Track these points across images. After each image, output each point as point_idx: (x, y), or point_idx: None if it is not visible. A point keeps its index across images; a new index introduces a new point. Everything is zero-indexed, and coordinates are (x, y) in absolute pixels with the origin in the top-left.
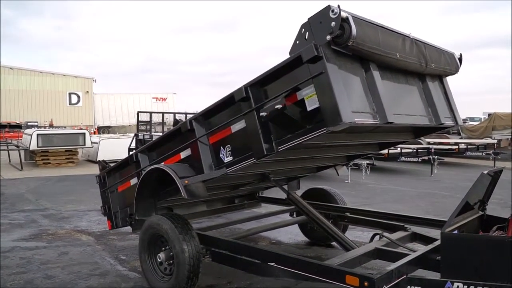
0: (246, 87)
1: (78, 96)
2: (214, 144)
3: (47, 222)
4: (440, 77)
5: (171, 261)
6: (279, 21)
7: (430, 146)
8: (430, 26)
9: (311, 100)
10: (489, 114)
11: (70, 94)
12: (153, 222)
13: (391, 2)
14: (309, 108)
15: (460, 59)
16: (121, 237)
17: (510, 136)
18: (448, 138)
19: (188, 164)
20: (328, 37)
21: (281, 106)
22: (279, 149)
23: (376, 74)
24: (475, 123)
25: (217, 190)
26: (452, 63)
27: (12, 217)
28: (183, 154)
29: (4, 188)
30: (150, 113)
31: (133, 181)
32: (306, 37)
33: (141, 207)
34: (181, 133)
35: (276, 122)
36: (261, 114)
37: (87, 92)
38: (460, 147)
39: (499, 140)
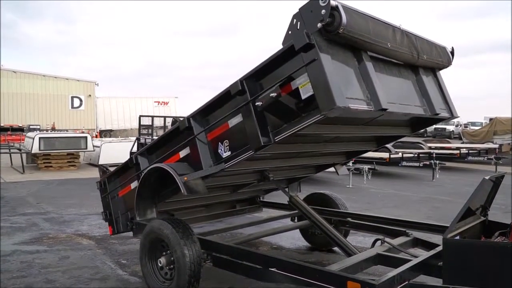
0: (241, 80)
1: (81, 100)
2: (212, 140)
3: (48, 225)
4: (433, 71)
5: (172, 266)
6: (279, 25)
7: (432, 150)
8: (429, 31)
9: (305, 88)
10: (490, 119)
11: (72, 97)
12: (154, 226)
13: (388, 6)
14: (303, 97)
15: (452, 53)
16: (122, 242)
17: (511, 141)
18: (449, 142)
19: (188, 163)
20: (319, 25)
21: (276, 94)
22: (276, 139)
23: (369, 64)
24: (476, 128)
25: (218, 192)
26: (444, 56)
27: (13, 221)
28: (182, 153)
29: (5, 191)
30: (152, 117)
31: (134, 184)
32: (298, 27)
33: (142, 208)
34: (179, 132)
35: (272, 113)
36: (256, 103)
37: (90, 95)
38: (462, 151)
39: (501, 145)
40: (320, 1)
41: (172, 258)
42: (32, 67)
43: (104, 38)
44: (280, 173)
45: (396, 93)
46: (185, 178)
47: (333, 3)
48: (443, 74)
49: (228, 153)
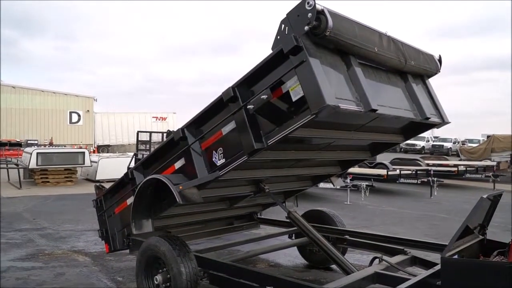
0: (233, 87)
1: (79, 115)
2: (207, 149)
3: (44, 241)
4: (422, 78)
5: (168, 284)
6: None
7: (430, 168)
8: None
9: (295, 91)
10: (488, 136)
11: (71, 113)
12: (151, 243)
13: (380, 25)
14: (294, 99)
15: (440, 60)
16: (118, 258)
17: (509, 158)
18: (447, 160)
19: (183, 174)
20: (306, 28)
21: (266, 96)
22: (269, 143)
23: (357, 69)
24: (474, 145)
25: (215, 206)
26: (431, 63)
27: (9, 236)
28: (177, 165)
29: (2, 207)
30: (150, 132)
31: (130, 200)
32: (286, 32)
33: (138, 222)
34: (174, 143)
35: (264, 117)
36: (248, 107)
37: (88, 111)
38: (460, 169)
39: (498, 162)
40: (306, 5)
41: (169, 276)
42: (32, 83)
43: (103, 54)
44: (276, 185)
45: (386, 97)
46: (180, 187)
47: (319, 7)
48: (439, 90)
49: (223, 160)
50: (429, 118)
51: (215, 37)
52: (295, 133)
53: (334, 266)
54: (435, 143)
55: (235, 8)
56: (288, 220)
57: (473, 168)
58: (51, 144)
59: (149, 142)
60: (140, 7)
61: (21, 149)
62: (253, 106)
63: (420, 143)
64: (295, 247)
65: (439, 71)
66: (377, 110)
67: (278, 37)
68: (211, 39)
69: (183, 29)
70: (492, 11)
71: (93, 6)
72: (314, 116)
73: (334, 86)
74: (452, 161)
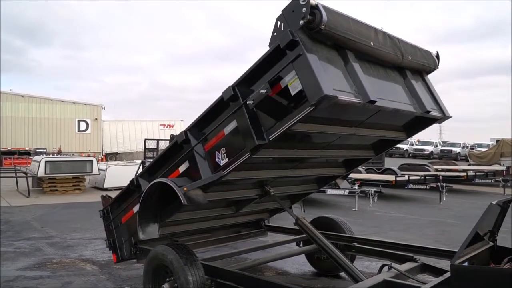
0: (233, 86)
1: (87, 123)
2: (210, 150)
3: (52, 250)
4: (420, 74)
5: None
6: None
7: (438, 173)
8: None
9: (293, 85)
10: (497, 141)
11: (79, 121)
12: (158, 252)
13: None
14: (293, 93)
15: (437, 56)
16: (126, 267)
17: None
18: (456, 165)
19: (188, 177)
20: (301, 22)
21: (265, 90)
22: (270, 138)
23: (355, 64)
24: (483, 150)
25: (221, 211)
26: (429, 59)
27: (17, 245)
28: (181, 168)
29: (10, 216)
30: (157, 140)
31: (136, 208)
32: (282, 28)
33: (145, 226)
34: (177, 147)
35: (264, 112)
36: (248, 102)
37: (96, 119)
38: (469, 174)
39: (508, 167)
40: (300, 0)
41: (176, 285)
42: (41, 91)
43: (111, 63)
44: (281, 188)
45: (385, 91)
46: (185, 189)
47: (312, 2)
48: (446, 94)
49: (226, 160)
50: (430, 111)
51: (220, 44)
52: (296, 128)
53: (342, 274)
54: (443, 148)
55: (240, 15)
56: (295, 227)
57: (483, 173)
58: (59, 152)
59: (156, 149)
60: (146, 16)
61: (30, 157)
62: (253, 102)
63: (428, 148)
64: (303, 255)
65: (438, 67)
66: (376, 102)
67: (275, 33)
68: (217, 46)
69: (188, 36)
70: (499, 14)
71: (100, 16)
72: (313, 108)
73: (331, 79)
74: (461, 166)
